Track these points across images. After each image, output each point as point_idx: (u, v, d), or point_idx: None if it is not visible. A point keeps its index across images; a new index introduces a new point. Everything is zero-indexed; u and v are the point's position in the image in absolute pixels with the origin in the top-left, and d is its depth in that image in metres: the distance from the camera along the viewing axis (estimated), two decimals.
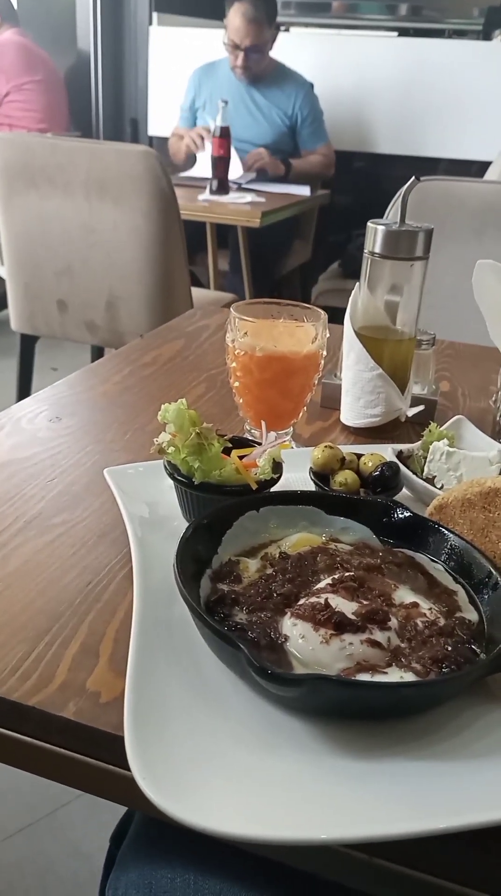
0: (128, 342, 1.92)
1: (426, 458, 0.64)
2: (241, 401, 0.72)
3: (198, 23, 3.32)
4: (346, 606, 0.45)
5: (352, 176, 3.20)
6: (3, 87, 3.07)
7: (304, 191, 2.61)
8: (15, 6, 3.30)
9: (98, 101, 3.46)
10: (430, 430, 0.66)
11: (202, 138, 2.55)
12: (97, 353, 2.48)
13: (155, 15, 3.32)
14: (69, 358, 2.84)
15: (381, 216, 2.43)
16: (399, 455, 0.64)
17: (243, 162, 2.61)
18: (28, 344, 2.10)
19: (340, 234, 2.98)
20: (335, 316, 2.83)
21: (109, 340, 1.99)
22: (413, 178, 0.71)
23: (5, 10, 3.15)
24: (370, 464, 0.61)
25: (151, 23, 3.33)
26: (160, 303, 1.90)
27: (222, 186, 2.36)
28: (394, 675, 0.42)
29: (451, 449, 0.62)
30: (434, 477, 0.62)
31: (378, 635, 0.43)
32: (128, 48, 3.42)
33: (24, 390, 2.14)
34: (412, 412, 0.80)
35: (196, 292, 2.09)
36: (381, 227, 0.73)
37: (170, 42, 3.29)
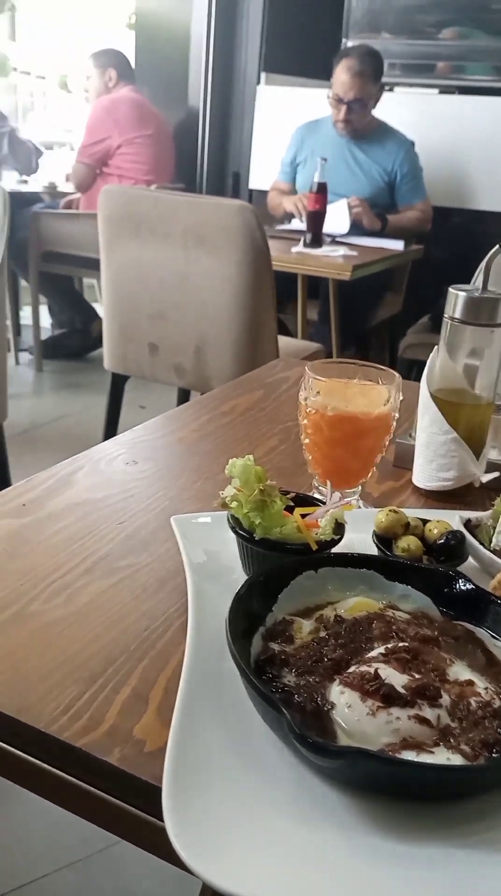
0: (213, 386, 1.98)
1: (495, 528, 0.62)
2: (310, 457, 0.73)
3: (304, 82, 3.45)
4: (396, 679, 0.44)
5: (448, 231, 3.19)
6: (115, 140, 3.29)
7: (398, 245, 2.62)
8: (132, 65, 3.55)
9: (203, 155, 3.64)
10: (500, 500, 0.64)
11: (305, 206, 2.61)
12: (183, 394, 2.56)
13: (263, 75, 3.48)
14: (157, 397, 2.94)
15: (475, 272, 2.40)
16: (468, 523, 0.63)
17: (348, 205, 2.64)
18: (119, 382, 2.20)
19: (432, 288, 2.95)
20: (423, 370, 2.77)
21: (195, 384, 2.05)
22: (498, 245, 0.71)
23: (123, 68, 3.40)
24: (436, 531, 0.60)
25: (259, 82, 3.49)
26: (247, 350, 1.95)
27: (316, 240, 2.41)
28: (441, 756, 0.40)
29: None
30: None
31: (427, 712, 0.42)
32: (235, 106, 3.59)
33: (111, 426, 2.23)
34: (486, 478, 0.78)
35: (283, 341, 2.13)
36: (462, 294, 0.73)
37: (276, 100, 3.43)
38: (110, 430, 2.23)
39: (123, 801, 0.44)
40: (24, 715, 0.47)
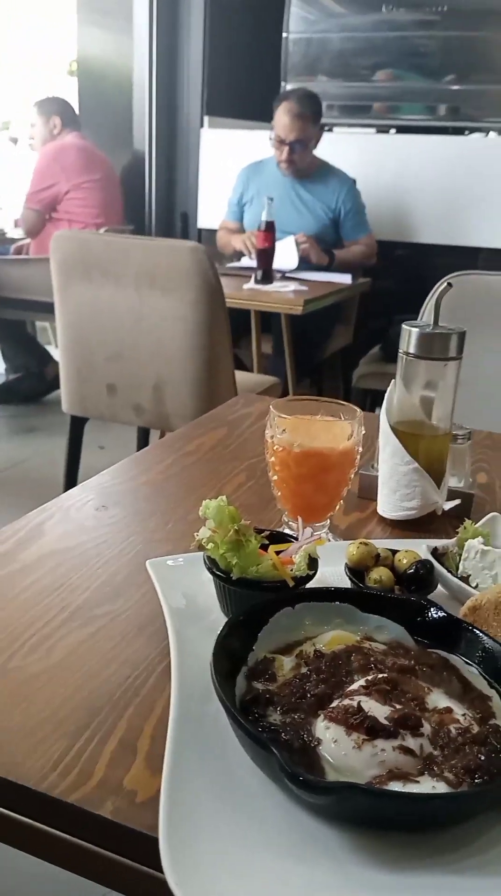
0: (173, 424, 1.99)
1: (461, 555, 0.64)
2: (279, 493, 0.75)
3: (245, 125, 3.56)
4: (379, 710, 0.45)
5: (393, 264, 3.31)
6: (64, 186, 3.32)
7: (346, 279, 2.70)
8: (76, 111, 3.61)
9: (151, 197, 3.70)
10: (465, 528, 0.67)
11: (254, 244, 2.67)
12: (143, 433, 2.56)
13: (206, 118, 3.58)
14: (115, 437, 2.93)
15: (421, 303, 2.50)
16: (435, 552, 0.65)
17: (296, 242, 2.72)
18: (78, 425, 2.19)
19: (381, 318, 3.06)
20: (377, 399, 2.84)
21: (155, 422, 2.06)
22: (446, 283, 0.75)
23: (67, 116, 3.45)
24: (405, 561, 0.62)
25: (202, 125, 3.58)
26: (205, 386, 1.97)
27: (267, 276, 2.47)
28: (426, 785, 0.42)
29: (486, 547, 0.62)
30: (469, 575, 0.62)
31: (411, 742, 0.44)
32: (180, 148, 3.68)
33: (72, 468, 2.22)
34: (448, 506, 0.81)
35: (240, 376, 2.16)
36: (415, 330, 0.77)
37: (219, 142, 3.53)
38: (71, 472, 2.21)
39: (118, 854, 0.44)
40: (13, 774, 0.46)
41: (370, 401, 2.79)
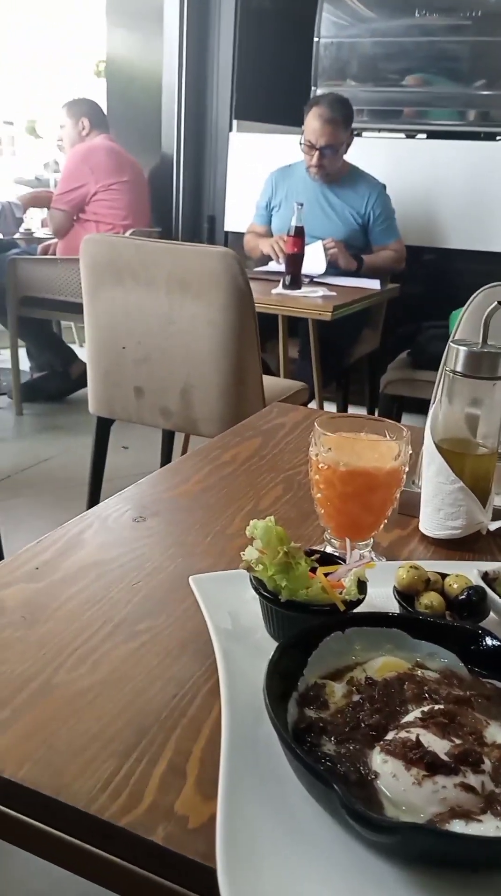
0: (200, 428, 1.99)
1: None
2: (322, 511, 0.74)
3: (274, 129, 3.55)
4: (438, 745, 0.44)
5: (422, 269, 3.29)
6: (92, 187, 3.33)
7: (374, 284, 2.69)
8: (106, 114, 3.63)
9: (179, 200, 3.71)
10: None
11: (282, 249, 2.66)
12: (168, 434, 2.56)
13: (235, 122, 3.58)
14: (140, 437, 2.94)
15: (449, 308, 2.47)
16: (485, 577, 0.64)
17: (324, 247, 2.71)
18: (104, 426, 2.19)
19: (409, 324, 3.04)
20: (404, 405, 2.83)
21: (182, 426, 2.06)
22: (497, 303, 0.74)
23: (96, 117, 3.47)
24: (456, 586, 0.61)
25: (231, 129, 3.58)
26: (233, 391, 1.96)
27: (295, 282, 2.46)
28: (490, 824, 0.41)
29: None
30: None
31: (472, 779, 0.43)
32: (208, 152, 3.68)
33: (97, 470, 2.22)
34: (493, 526, 0.79)
35: (267, 381, 2.15)
36: (463, 349, 0.76)
37: (248, 146, 3.52)
38: (97, 473, 2.22)
39: (169, 881, 0.43)
40: (63, 794, 0.46)
41: (398, 407, 2.77)
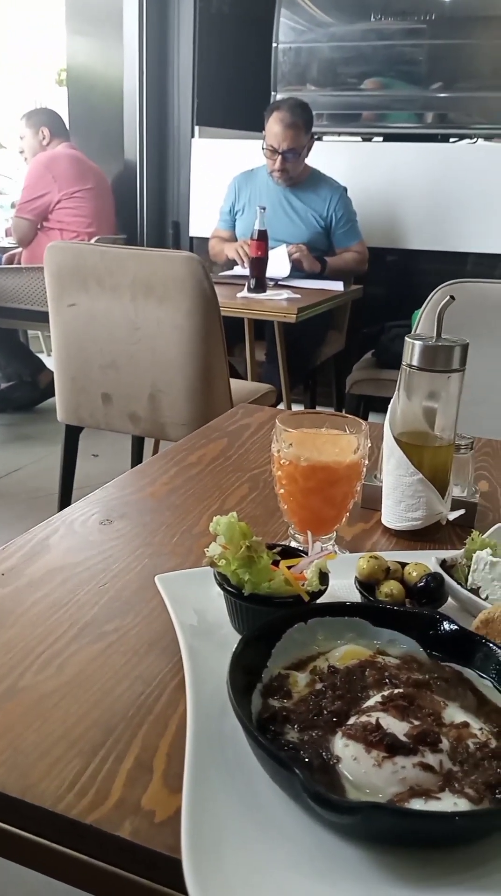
0: (169, 433, 1.99)
1: (469, 566, 0.65)
2: (285, 507, 0.75)
3: (236, 134, 3.57)
4: (397, 727, 0.45)
5: (384, 270, 3.33)
6: (55, 196, 3.32)
7: (338, 286, 2.72)
8: (67, 123, 3.61)
9: (143, 206, 3.71)
10: (472, 539, 0.67)
11: (247, 253, 2.68)
12: (138, 441, 2.56)
13: (196, 128, 3.59)
14: (109, 444, 2.93)
15: (412, 308, 2.51)
16: (443, 564, 0.65)
17: (288, 253, 2.74)
18: (73, 434, 2.18)
19: (373, 324, 3.07)
20: (370, 404, 2.86)
21: (151, 431, 2.06)
22: (449, 297, 0.76)
23: (56, 126, 3.45)
24: (415, 574, 0.62)
25: (193, 135, 3.59)
26: (201, 394, 1.97)
27: (260, 285, 2.48)
28: (448, 801, 0.42)
29: (494, 559, 0.63)
30: (479, 587, 0.62)
31: (430, 758, 0.44)
32: (171, 158, 3.69)
33: (67, 478, 2.21)
34: (452, 516, 0.81)
35: (234, 383, 2.16)
36: (418, 343, 0.77)
37: (210, 151, 3.54)
38: (67, 481, 2.20)
39: (138, 875, 0.44)
40: (29, 794, 0.46)
41: (364, 406, 2.80)
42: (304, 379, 3.16)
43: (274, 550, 0.60)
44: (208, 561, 0.59)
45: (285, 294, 2.48)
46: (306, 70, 3.53)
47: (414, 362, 0.78)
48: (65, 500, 2.21)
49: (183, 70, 3.57)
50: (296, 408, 3.06)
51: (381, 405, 2.67)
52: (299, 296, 2.49)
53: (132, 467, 2.70)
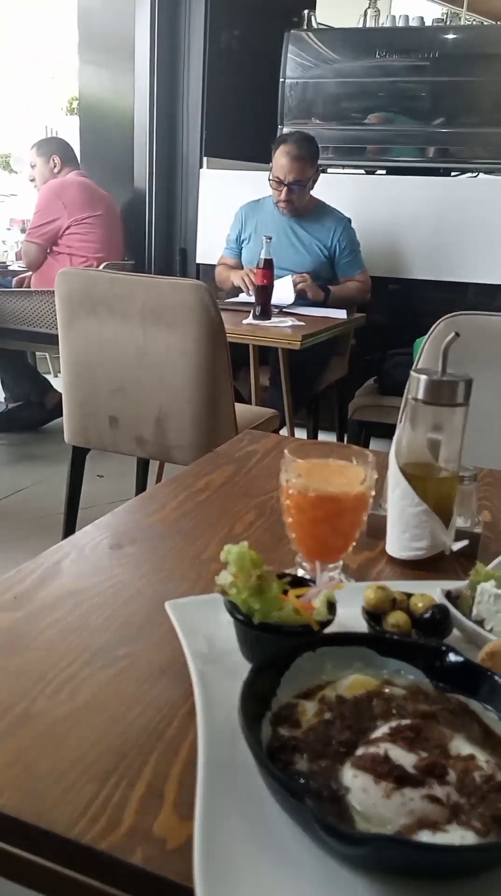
0: (174, 456, 2.01)
1: (474, 598, 0.66)
2: (294, 536, 0.76)
3: (243, 165, 3.65)
4: (405, 759, 0.46)
5: (387, 299, 3.38)
6: (65, 221, 3.38)
7: (341, 314, 2.75)
8: (78, 151, 3.69)
9: (151, 233, 3.77)
10: (477, 571, 0.68)
11: (252, 281, 2.72)
12: (142, 463, 2.57)
13: (205, 159, 3.67)
14: (114, 466, 2.94)
15: (413, 336, 2.55)
16: (448, 595, 0.66)
17: (293, 282, 2.79)
18: (79, 456, 2.20)
19: (375, 351, 3.11)
20: (372, 430, 2.89)
21: (156, 454, 2.08)
22: (455, 333, 0.78)
23: (66, 154, 3.53)
24: (421, 605, 0.63)
25: (201, 166, 3.67)
26: (206, 419, 1.99)
27: (265, 312, 2.51)
28: (455, 834, 0.43)
29: (499, 591, 0.64)
30: (484, 619, 0.64)
31: (438, 790, 0.45)
32: (180, 187, 3.76)
33: (73, 499, 2.22)
34: (456, 546, 0.82)
35: (239, 408, 2.18)
36: (424, 377, 0.79)
37: (218, 182, 3.61)
38: (72, 502, 2.21)
39: None
40: (43, 820, 0.47)
41: (366, 432, 2.82)
42: (307, 404, 3.19)
43: (284, 580, 0.61)
44: (219, 589, 0.60)
45: (290, 321, 2.52)
46: (313, 104, 3.61)
47: (420, 396, 0.80)
48: (70, 521, 2.22)
49: (192, 102, 3.65)
50: (299, 432, 3.09)
51: (383, 431, 2.69)
52: (303, 323, 2.53)
53: (137, 488, 2.71)
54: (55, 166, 3.47)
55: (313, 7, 3.89)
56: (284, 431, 2.71)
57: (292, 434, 2.83)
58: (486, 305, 3.23)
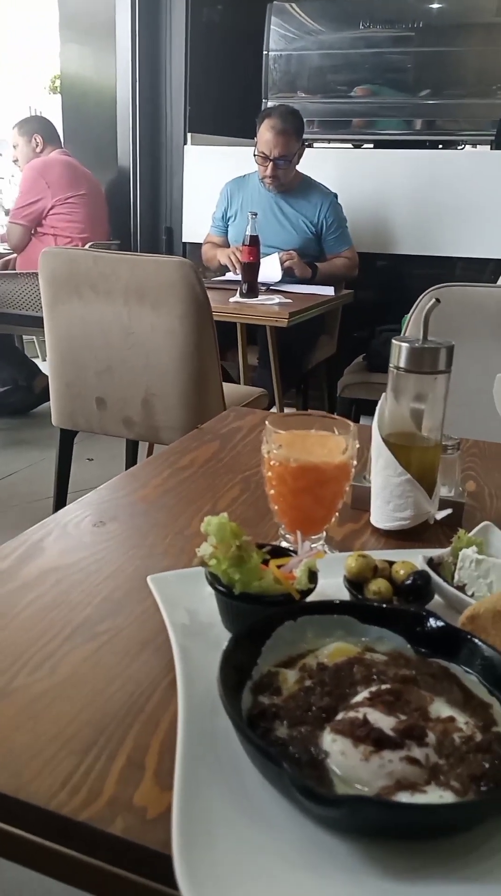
0: (163, 437, 2.00)
1: (456, 564, 0.66)
2: (276, 507, 0.76)
3: (228, 141, 3.60)
4: (384, 721, 0.46)
5: (374, 275, 3.35)
6: (49, 201, 3.33)
7: (328, 291, 2.73)
8: (61, 130, 3.63)
9: (136, 212, 3.72)
10: (459, 537, 0.68)
11: (238, 259, 2.70)
12: (132, 444, 2.56)
13: (189, 135, 3.61)
14: (103, 449, 2.93)
15: (402, 312, 2.54)
16: (430, 562, 0.66)
17: (280, 260, 2.76)
18: (67, 438, 2.19)
19: (364, 329, 3.10)
20: (361, 407, 2.89)
21: (145, 435, 2.06)
22: (435, 299, 0.77)
23: (48, 133, 3.47)
24: (402, 572, 0.63)
25: (185, 142, 3.61)
26: (194, 399, 1.98)
27: (252, 290, 2.49)
28: (433, 794, 0.43)
29: (480, 556, 0.64)
30: (465, 585, 0.63)
31: (417, 752, 0.45)
32: (164, 165, 3.71)
33: (62, 482, 2.21)
34: (440, 515, 0.82)
35: (227, 388, 2.17)
36: (405, 345, 0.78)
37: (203, 158, 3.56)
38: (61, 486, 2.21)
39: (130, 872, 0.44)
40: (22, 793, 0.47)
41: (355, 409, 2.81)
42: (296, 383, 3.18)
43: (264, 550, 0.60)
44: (198, 560, 0.60)
45: (277, 299, 2.50)
46: (297, 77, 3.56)
47: (401, 364, 0.79)
48: (60, 504, 2.21)
49: (175, 78, 3.59)
50: (288, 411, 3.08)
51: (372, 408, 2.67)
52: (290, 301, 2.51)
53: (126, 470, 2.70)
54: (37, 145, 3.42)
55: None
56: (273, 410, 2.70)
57: (282, 413, 2.83)
58: (474, 279, 3.21)
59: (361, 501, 0.88)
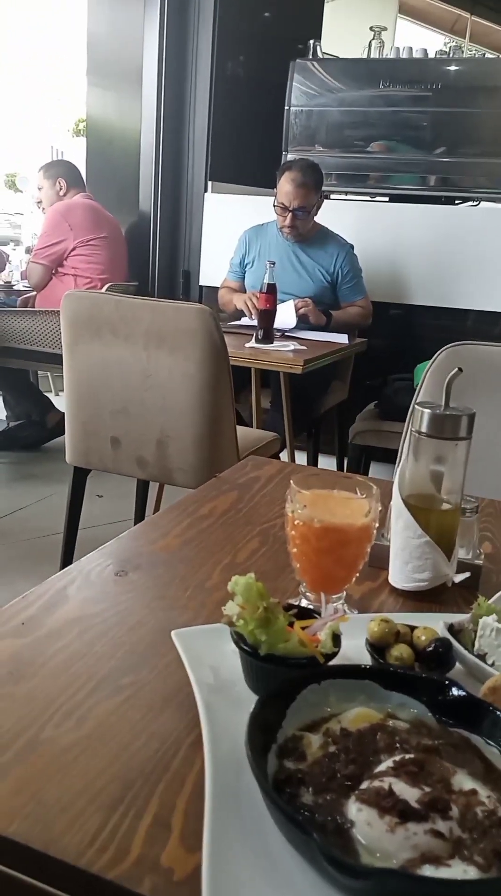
0: (175, 478, 2.02)
1: (476, 632, 0.67)
2: (298, 565, 0.77)
3: (247, 190, 3.70)
4: (409, 793, 0.47)
5: (388, 324, 3.41)
6: (71, 243, 3.42)
7: (343, 339, 2.78)
8: (84, 173, 3.75)
9: (156, 256, 3.81)
10: (479, 604, 0.69)
11: (255, 305, 2.76)
12: (142, 484, 2.58)
13: (210, 183, 3.72)
14: (114, 486, 2.95)
15: (414, 361, 2.57)
16: (451, 628, 0.68)
17: (295, 307, 2.83)
18: (81, 476, 2.21)
19: (376, 376, 3.14)
20: (372, 454, 2.90)
21: (158, 476, 2.09)
22: (458, 369, 0.80)
23: (72, 177, 3.58)
24: (424, 638, 0.64)
25: (206, 190, 3.72)
26: (208, 441, 2.01)
27: (267, 336, 2.54)
28: (458, 869, 0.44)
29: (500, 625, 0.65)
30: (486, 654, 0.65)
31: (441, 825, 0.45)
32: (184, 211, 3.81)
33: (73, 519, 2.23)
34: (458, 578, 0.84)
35: (240, 431, 2.20)
36: (427, 411, 0.81)
37: (222, 206, 3.66)
38: (72, 523, 2.22)
39: None
40: (52, 848, 0.48)
41: (365, 456, 2.84)
42: (308, 427, 3.21)
43: (290, 612, 0.62)
44: (226, 620, 0.61)
45: (292, 346, 2.54)
46: (317, 132, 3.67)
47: (423, 429, 0.82)
48: (69, 541, 2.22)
49: (198, 127, 3.72)
50: (299, 456, 3.10)
51: (383, 456, 2.71)
52: (305, 347, 2.55)
53: (136, 509, 2.71)
54: (61, 189, 3.53)
55: (318, 37, 3.97)
56: (284, 454, 2.73)
57: (293, 457, 2.85)
58: (486, 332, 3.26)
59: (379, 559, 0.90)
